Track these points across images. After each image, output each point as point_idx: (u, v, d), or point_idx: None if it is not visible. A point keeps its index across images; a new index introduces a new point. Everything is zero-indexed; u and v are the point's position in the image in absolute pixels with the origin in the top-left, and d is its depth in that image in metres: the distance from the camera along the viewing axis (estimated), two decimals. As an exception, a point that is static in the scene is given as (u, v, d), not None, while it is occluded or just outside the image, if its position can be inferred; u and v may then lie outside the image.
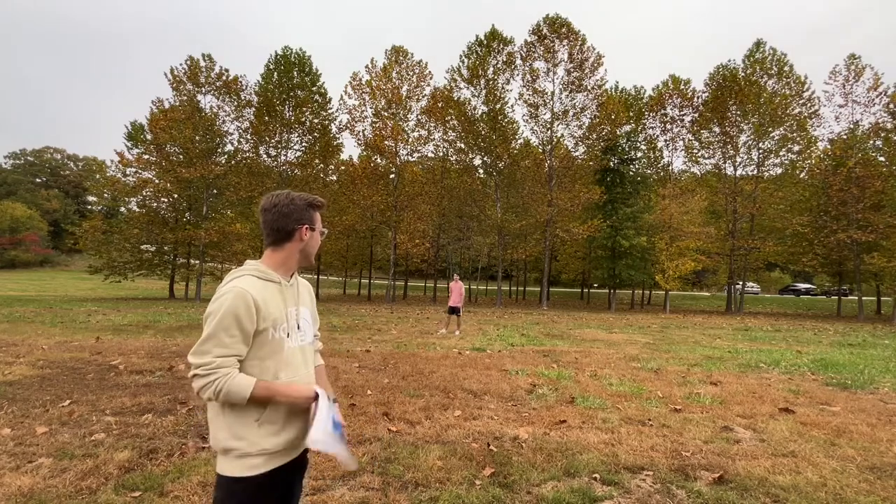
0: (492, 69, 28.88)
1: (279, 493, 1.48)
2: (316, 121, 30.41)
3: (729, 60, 29.95)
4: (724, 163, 30.04)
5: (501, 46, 28.88)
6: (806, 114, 28.10)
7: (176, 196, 27.49)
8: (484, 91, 29.10)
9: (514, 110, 39.01)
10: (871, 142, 25.93)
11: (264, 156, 29.92)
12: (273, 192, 1.55)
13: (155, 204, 27.67)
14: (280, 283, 1.50)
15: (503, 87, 29.05)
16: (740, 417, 4.67)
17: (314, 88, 30.51)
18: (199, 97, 27.49)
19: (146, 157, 26.96)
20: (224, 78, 27.51)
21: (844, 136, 26.36)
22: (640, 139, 31.96)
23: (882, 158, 25.61)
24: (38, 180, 76.28)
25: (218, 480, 1.41)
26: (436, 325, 12.40)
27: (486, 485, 2.98)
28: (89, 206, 71.09)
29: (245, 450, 1.37)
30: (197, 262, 27.70)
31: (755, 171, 29.44)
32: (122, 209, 32.20)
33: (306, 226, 1.53)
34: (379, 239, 36.58)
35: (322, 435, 1.37)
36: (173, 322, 13.43)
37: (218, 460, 1.42)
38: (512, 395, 5.35)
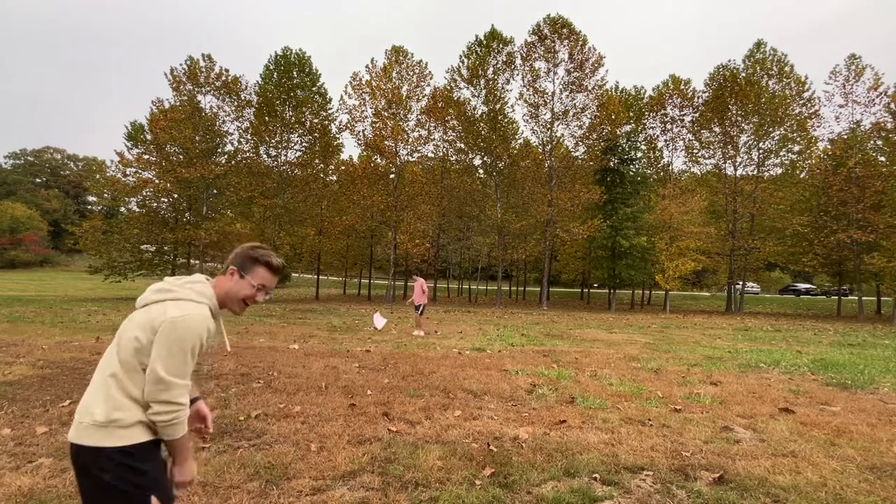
0: (492, 69, 28.89)
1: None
2: (316, 121, 30.44)
3: (729, 60, 29.99)
4: (725, 163, 30.04)
5: (501, 46, 28.89)
6: (806, 114, 28.11)
7: (176, 196, 27.49)
8: (484, 91, 29.11)
9: (514, 110, 39.02)
10: (872, 142, 25.94)
11: (264, 156, 29.98)
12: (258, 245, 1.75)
13: (155, 204, 27.66)
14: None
15: (503, 87, 29.07)
16: (740, 417, 4.67)
17: (314, 88, 30.55)
18: (199, 97, 27.54)
19: (146, 157, 26.96)
20: (224, 78, 27.54)
21: (845, 136, 26.35)
22: (640, 139, 31.96)
23: (882, 158, 25.62)
24: (38, 180, 76.26)
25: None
26: (434, 326, 12.39)
27: (486, 485, 2.98)
28: (89, 206, 71.05)
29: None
30: (197, 262, 27.71)
31: (755, 172, 29.44)
32: (122, 209, 32.18)
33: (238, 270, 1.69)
34: (379, 239, 36.57)
35: None
36: (173, 322, 13.38)
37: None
38: (512, 395, 5.35)
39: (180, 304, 1.53)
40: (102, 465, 1.45)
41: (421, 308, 11.74)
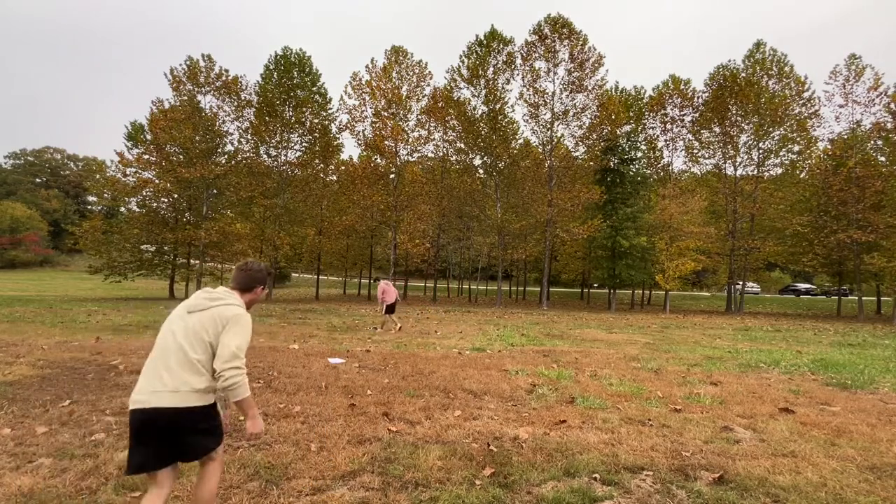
0: (492, 69, 28.86)
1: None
2: (316, 121, 30.43)
3: (729, 60, 29.97)
4: (725, 163, 30.02)
5: (501, 46, 28.86)
6: (806, 114, 28.07)
7: (176, 196, 27.48)
8: (484, 91, 29.09)
9: (514, 110, 39.07)
10: (872, 142, 25.92)
11: (264, 156, 29.96)
12: (250, 260, 2.48)
13: (155, 204, 27.65)
14: None
15: (503, 87, 29.03)
16: (740, 417, 4.67)
17: (314, 88, 30.53)
18: (199, 97, 27.51)
19: (146, 157, 26.95)
20: (224, 78, 27.53)
21: (845, 136, 26.34)
22: (640, 139, 31.93)
23: (882, 158, 25.60)
24: (38, 180, 76.26)
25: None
26: (434, 326, 12.41)
27: (486, 485, 2.98)
28: (89, 206, 71.01)
29: None
30: (197, 262, 27.70)
31: (755, 172, 29.42)
32: (122, 209, 32.20)
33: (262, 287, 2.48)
34: (379, 239, 36.56)
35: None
36: (173, 322, 13.37)
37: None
38: (512, 395, 5.35)
39: (236, 307, 2.24)
40: (198, 419, 2.09)
41: (388, 308, 12.58)
